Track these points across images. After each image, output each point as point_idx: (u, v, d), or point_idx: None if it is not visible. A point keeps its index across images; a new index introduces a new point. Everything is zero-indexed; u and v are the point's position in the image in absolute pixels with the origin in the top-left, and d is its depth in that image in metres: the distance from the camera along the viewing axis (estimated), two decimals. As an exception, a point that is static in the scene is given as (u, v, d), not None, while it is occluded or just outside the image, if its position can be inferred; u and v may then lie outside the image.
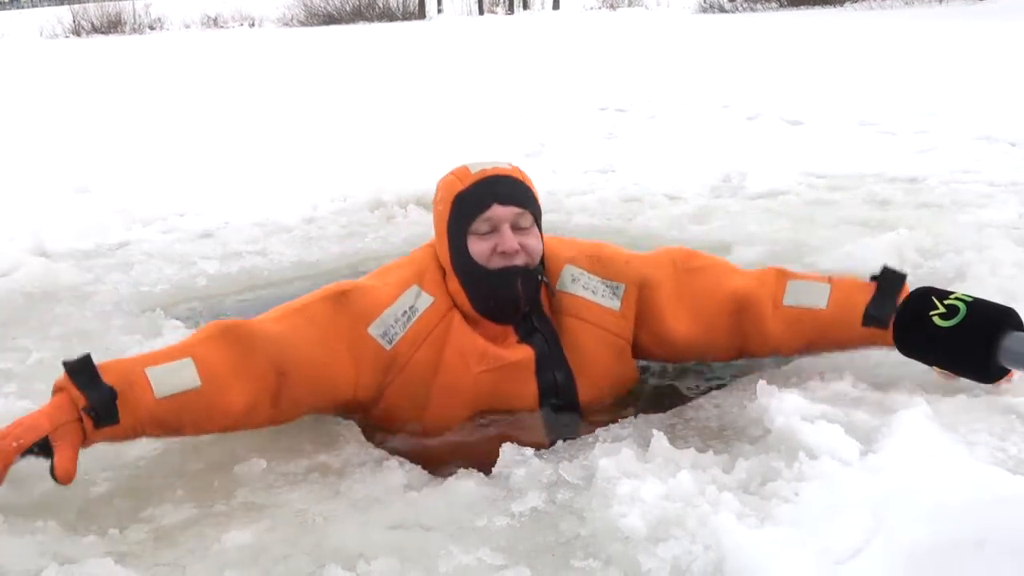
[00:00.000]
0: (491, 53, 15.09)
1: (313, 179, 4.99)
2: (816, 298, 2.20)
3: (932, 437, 1.86)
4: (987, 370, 1.25)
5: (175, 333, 2.85)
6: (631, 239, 3.70)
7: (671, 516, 1.65)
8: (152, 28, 30.87)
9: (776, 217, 4.12)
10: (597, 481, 1.81)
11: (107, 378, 1.84)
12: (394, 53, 16.04)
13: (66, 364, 1.84)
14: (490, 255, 2.14)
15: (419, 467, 2.01)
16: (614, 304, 2.25)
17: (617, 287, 2.26)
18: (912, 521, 1.42)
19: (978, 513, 1.40)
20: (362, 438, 2.14)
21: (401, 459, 2.03)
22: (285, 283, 3.51)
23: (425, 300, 2.16)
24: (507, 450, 1.98)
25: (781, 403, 2.02)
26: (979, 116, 6.30)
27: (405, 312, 2.13)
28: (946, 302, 1.28)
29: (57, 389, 1.86)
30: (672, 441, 1.94)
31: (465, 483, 1.88)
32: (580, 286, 2.25)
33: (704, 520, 1.62)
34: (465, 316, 2.18)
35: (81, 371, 1.83)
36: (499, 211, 2.14)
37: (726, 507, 1.64)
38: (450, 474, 1.94)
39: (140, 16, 30.90)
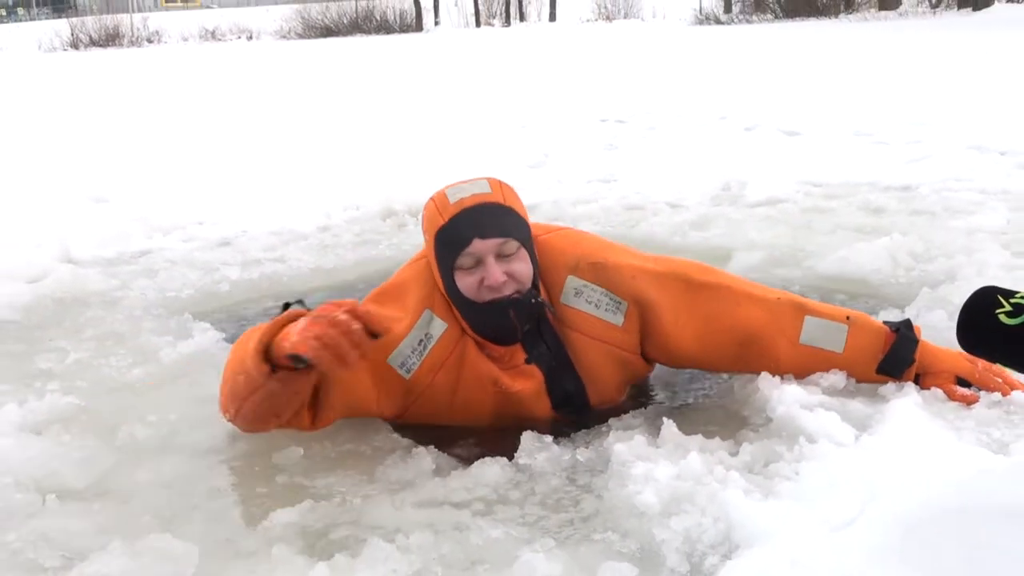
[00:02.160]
0: (491, 66, 15.27)
1: (325, 190, 5.13)
2: (833, 342, 2.24)
3: (922, 423, 2.02)
4: None
5: (204, 335, 3.00)
6: (634, 245, 3.84)
7: (682, 493, 1.80)
8: (150, 41, 31.03)
9: (775, 224, 4.27)
10: (613, 464, 1.96)
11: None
12: (395, 66, 16.22)
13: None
14: (478, 289, 2.12)
15: (446, 454, 2.15)
16: (617, 319, 2.25)
17: (620, 303, 2.24)
18: (902, 493, 1.57)
19: (961, 484, 1.54)
20: (390, 427, 2.29)
21: (428, 447, 2.17)
22: (305, 291, 3.65)
23: (438, 327, 2.19)
24: (527, 438, 2.12)
25: (782, 393, 2.17)
26: (970, 126, 6.47)
27: (421, 341, 2.17)
28: (1012, 301, 1.32)
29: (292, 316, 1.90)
30: (681, 429, 2.09)
31: (491, 468, 2.02)
32: (584, 300, 2.24)
33: (713, 496, 1.77)
34: (473, 337, 2.23)
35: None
36: (480, 245, 2.11)
37: (733, 484, 1.80)
38: (476, 460, 2.08)
39: (138, 29, 31.07)
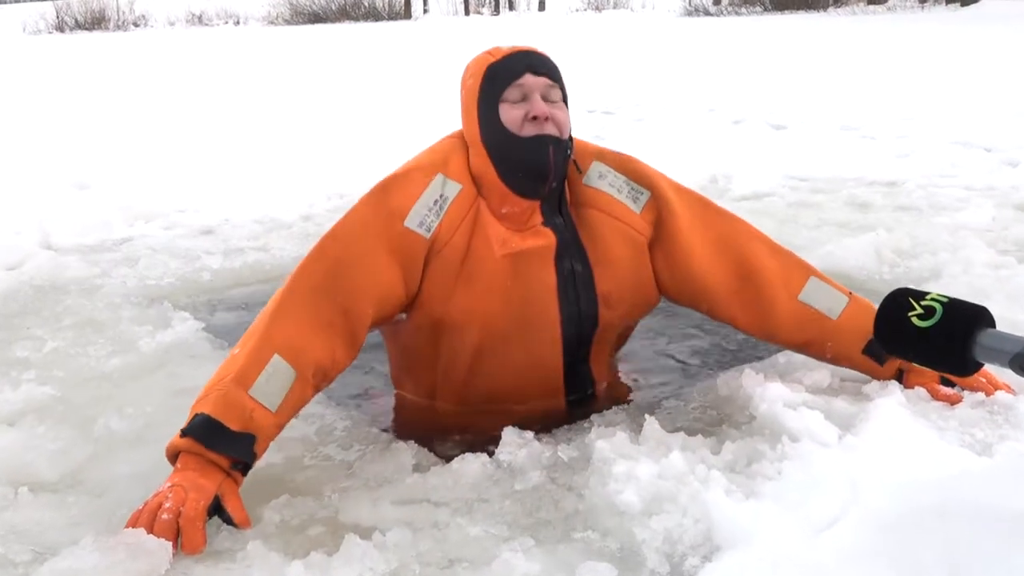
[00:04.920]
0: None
1: (308, 178, 5.10)
2: (831, 305, 2.25)
3: (905, 422, 2.00)
4: (964, 365, 1.29)
5: (184, 324, 2.96)
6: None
7: (664, 492, 1.78)
8: (136, 25, 30.86)
9: (760, 218, 4.25)
10: (594, 462, 1.94)
11: (232, 426, 1.84)
12: (383, 53, 16.14)
13: (191, 431, 1.83)
14: (522, 122, 2.15)
15: (426, 449, 2.13)
16: (636, 207, 2.28)
17: (641, 192, 2.28)
18: (883, 493, 1.55)
19: (941, 485, 1.53)
20: (369, 421, 2.27)
21: (408, 442, 2.15)
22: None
23: (453, 188, 2.17)
24: (508, 433, 2.10)
25: (765, 391, 2.16)
26: (956, 121, 6.49)
27: (436, 201, 2.15)
28: (923, 303, 1.33)
29: (183, 450, 1.84)
30: (663, 426, 2.07)
31: (470, 464, 2.00)
32: (606, 183, 2.28)
33: (695, 496, 1.75)
34: (491, 195, 2.18)
35: (211, 433, 1.83)
36: (531, 80, 2.16)
37: (715, 484, 1.78)
38: (455, 456, 2.06)
39: (124, 13, 30.88)
